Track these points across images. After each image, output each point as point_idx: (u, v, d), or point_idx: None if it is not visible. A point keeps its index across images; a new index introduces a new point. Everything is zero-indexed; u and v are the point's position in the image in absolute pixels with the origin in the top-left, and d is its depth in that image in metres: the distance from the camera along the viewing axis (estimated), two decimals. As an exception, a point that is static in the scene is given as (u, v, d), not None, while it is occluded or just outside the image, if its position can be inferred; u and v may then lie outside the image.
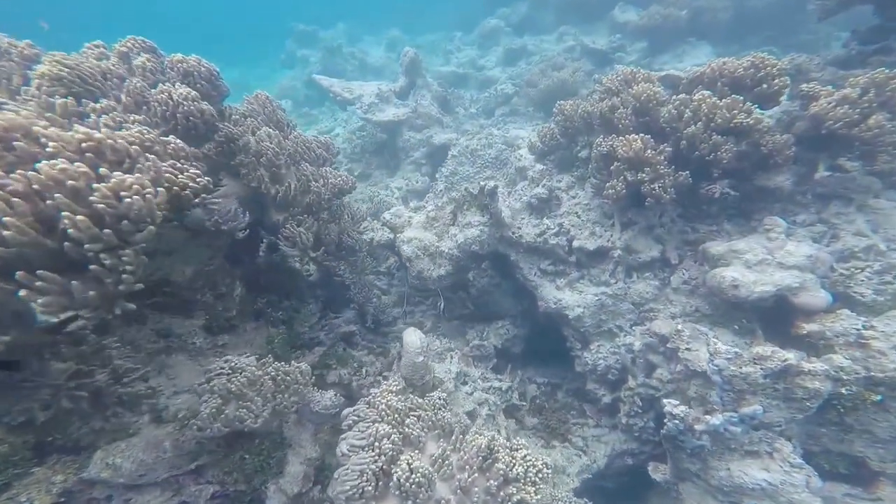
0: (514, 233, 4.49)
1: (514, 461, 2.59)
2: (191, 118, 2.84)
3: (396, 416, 2.85)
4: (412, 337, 3.45)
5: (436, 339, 4.73)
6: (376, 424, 2.73)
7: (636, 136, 3.77)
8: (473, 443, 2.64)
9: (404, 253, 4.61)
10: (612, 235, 4.13)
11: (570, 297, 4.19)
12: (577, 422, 4.46)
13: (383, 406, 2.88)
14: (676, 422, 3.14)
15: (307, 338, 4.02)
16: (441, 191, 7.05)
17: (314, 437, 3.07)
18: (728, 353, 3.08)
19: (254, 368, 2.74)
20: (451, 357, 4.18)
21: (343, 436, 2.71)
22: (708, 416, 3.02)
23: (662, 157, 3.70)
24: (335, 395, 3.07)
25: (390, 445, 2.63)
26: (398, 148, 8.76)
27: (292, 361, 2.94)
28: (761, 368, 2.97)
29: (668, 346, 3.58)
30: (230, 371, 2.67)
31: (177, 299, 2.88)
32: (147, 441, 2.39)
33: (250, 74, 21.48)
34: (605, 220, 4.24)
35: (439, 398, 3.03)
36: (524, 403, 4.31)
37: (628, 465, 4.12)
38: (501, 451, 2.60)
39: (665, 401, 3.27)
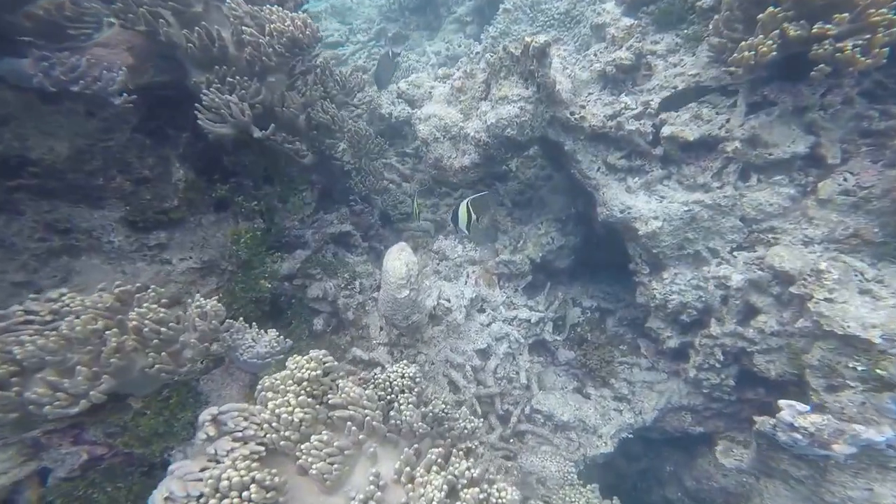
0: (573, 113, 3.12)
1: None
2: None
3: (290, 433, 1.65)
4: (395, 262, 2.44)
5: (458, 243, 3.79)
6: (230, 457, 1.48)
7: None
8: (424, 495, 1.60)
9: (420, 133, 3.46)
10: (729, 120, 2.68)
11: (644, 203, 2.95)
12: (624, 361, 3.55)
13: (268, 415, 1.66)
14: (798, 436, 2.06)
15: (292, 235, 3.22)
16: (478, 53, 5.39)
17: (246, 390, 2.31)
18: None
19: (88, 317, 1.64)
20: (469, 274, 3.24)
21: (173, 466, 1.59)
22: (861, 428, 1.92)
23: (884, -4, 2.08)
24: (277, 336, 2.23)
25: None
26: (439, 3, 6.94)
27: (225, 309, 2.00)
28: None
29: (790, 289, 2.39)
30: (49, 317, 1.67)
31: (62, 183, 2.07)
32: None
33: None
34: (720, 100, 2.76)
35: (402, 376, 1.94)
36: (558, 338, 3.38)
37: (685, 424, 3.25)
38: (470, 499, 1.58)
39: (782, 402, 2.14)
